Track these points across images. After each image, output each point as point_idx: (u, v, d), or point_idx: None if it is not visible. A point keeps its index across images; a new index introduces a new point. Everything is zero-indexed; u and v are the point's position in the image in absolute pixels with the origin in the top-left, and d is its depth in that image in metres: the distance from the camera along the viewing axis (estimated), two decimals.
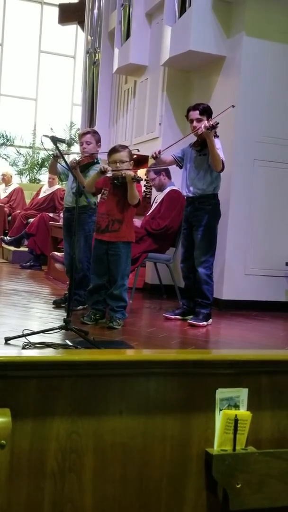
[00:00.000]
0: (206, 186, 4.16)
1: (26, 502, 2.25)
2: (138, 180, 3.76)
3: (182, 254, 4.37)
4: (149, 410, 2.45)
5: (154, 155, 4.19)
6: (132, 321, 4.01)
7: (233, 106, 4.10)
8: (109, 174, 3.90)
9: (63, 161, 3.71)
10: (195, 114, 4.16)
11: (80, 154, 4.44)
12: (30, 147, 12.29)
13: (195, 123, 4.15)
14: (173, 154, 4.38)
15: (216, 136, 4.05)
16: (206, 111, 4.17)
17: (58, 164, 4.52)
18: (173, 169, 5.23)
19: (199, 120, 4.12)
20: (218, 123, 3.91)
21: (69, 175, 4.43)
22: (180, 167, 4.41)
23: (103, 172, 3.86)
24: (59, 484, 2.30)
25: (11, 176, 9.53)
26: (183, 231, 4.38)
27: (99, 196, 4.18)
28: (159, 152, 4.20)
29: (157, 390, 2.47)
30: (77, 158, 4.33)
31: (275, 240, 5.12)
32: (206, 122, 4.00)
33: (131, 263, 4.09)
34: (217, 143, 4.03)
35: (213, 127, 3.88)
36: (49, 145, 3.66)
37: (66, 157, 4.21)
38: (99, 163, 4.43)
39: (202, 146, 4.14)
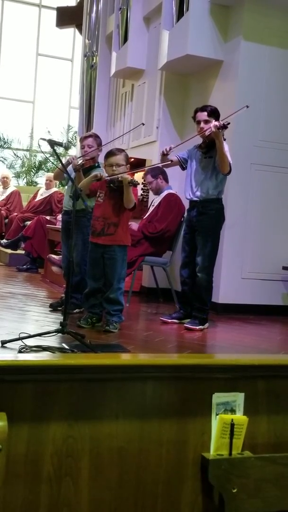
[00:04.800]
0: (211, 189, 4.10)
1: (22, 506, 2.25)
2: (135, 184, 3.75)
3: (182, 259, 4.30)
4: (146, 414, 2.44)
5: (165, 151, 4.12)
6: (128, 325, 4.01)
7: (247, 107, 3.95)
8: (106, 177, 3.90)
9: (66, 165, 3.71)
10: (203, 115, 4.10)
11: (81, 157, 4.45)
12: (27, 150, 12.30)
13: (202, 125, 4.09)
14: (178, 154, 4.30)
15: (224, 139, 4.00)
16: (214, 113, 4.10)
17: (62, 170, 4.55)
18: (171, 173, 5.25)
19: (206, 122, 4.06)
20: (229, 123, 3.84)
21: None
22: (183, 169, 4.34)
23: (99, 179, 3.86)
24: (55, 488, 2.29)
25: (10, 180, 9.54)
26: (184, 236, 4.32)
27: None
28: (170, 149, 4.12)
29: (154, 394, 2.46)
30: (80, 161, 4.34)
31: (272, 244, 5.13)
32: (216, 122, 3.93)
33: (127, 267, 4.09)
34: (225, 146, 3.95)
35: (224, 126, 3.81)
36: (47, 148, 3.67)
37: (64, 160, 4.22)
38: (99, 167, 4.45)
39: (208, 148, 4.08)
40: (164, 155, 4.16)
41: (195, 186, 4.16)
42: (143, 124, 4.50)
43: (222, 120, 3.94)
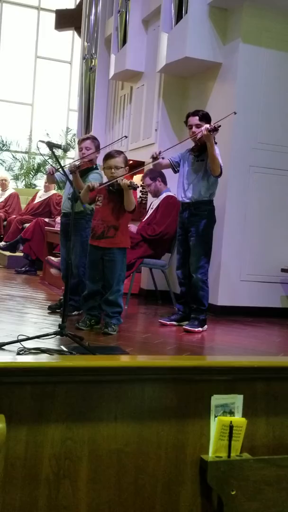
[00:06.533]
0: (203, 192, 4.15)
1: (20, 508, 2.24)
2: (134, 187, 3.76)
3: (177, 260, 4.36)
4: (144, 417, 2.44)
5: (155, 155, 4.18)
6: (127, 327, 4.00)
7: (235, 113, 4.07)
8: (105, 180, 3.90)
9: (60, 169, 3.71)
10: (195, 119, 4.17)
11: (78, 160, 4.46)
12: (26, 152, 12.30)
13: (194, 129, 4.15)
14: (170, 158, 4.37)
15: (215, 142, 4.06)
16: (205, 118, 4.18)
17: (55, 174, 4.57)
18: (169, 175, 5.25)
19: (198, 126, 4.12)
20: (220, 126, 3.91)
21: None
22: (175, 172, 4.40)
23: (91, 189, 3.86)
24: (53, 490, 2.28)
25: (9, 182, 9.55)
26: (178, 237, 4.36)
27: None
28: (159, 153, 4.19)
29: (152, 396, 2.46)
30: (77, 163, 4.34)
31: (271, 246, 5.14)
32: (207, 125, 3.99)
33: (126, 269, 4.09)
34: (216, 149, 4.02)
35: (215, 129, 3.88)
36: (45, 150, 3.66)
37: (62, 162, 4.23)
38: (97, 169, 4.45)
39: (200, 151, 4.13)
40: (154, 159, 4.22)
41: (187, 188, 4.22)
42: (125, 136, 4.69)
43: (213, 123, 3.99)
